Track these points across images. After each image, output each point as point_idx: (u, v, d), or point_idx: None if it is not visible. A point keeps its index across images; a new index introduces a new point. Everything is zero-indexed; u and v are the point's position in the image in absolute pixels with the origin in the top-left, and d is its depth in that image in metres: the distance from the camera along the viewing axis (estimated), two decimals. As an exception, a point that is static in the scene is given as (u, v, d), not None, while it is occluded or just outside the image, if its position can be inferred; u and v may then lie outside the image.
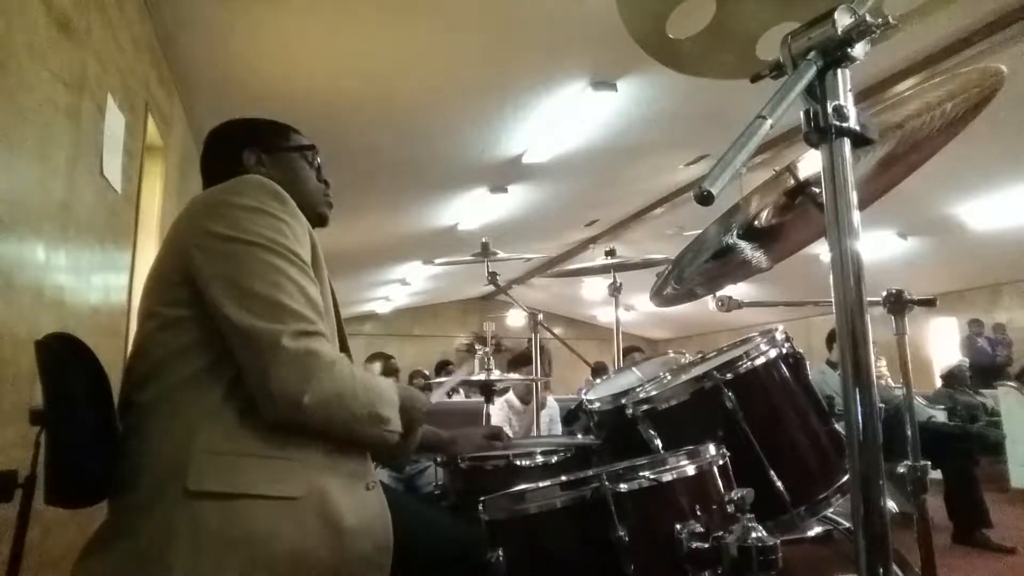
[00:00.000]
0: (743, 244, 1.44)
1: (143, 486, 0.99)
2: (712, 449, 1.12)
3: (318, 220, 1.30)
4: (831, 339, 4.56)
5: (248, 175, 1.15)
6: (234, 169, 1.23)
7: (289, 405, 0.98)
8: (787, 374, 1.40)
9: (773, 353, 1.38)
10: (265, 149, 1.30)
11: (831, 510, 1.35)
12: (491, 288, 3.12)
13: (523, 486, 1.14)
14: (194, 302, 1.04)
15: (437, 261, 3.91)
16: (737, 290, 1.73)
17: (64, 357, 1.11)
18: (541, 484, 1.09)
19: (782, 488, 1.27)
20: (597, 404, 1.50)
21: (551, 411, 3.83)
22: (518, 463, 1.52)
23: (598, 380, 2.14)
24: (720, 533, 0.94)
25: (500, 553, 1.05)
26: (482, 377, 2.37)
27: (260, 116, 1.39)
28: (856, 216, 0.69)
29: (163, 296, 1.08)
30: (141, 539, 0.96)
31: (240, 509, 0.97)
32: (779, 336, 1.42)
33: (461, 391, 5.81)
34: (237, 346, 1.01)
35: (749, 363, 1.35)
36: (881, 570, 0.65)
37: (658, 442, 1.34)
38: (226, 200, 1.08)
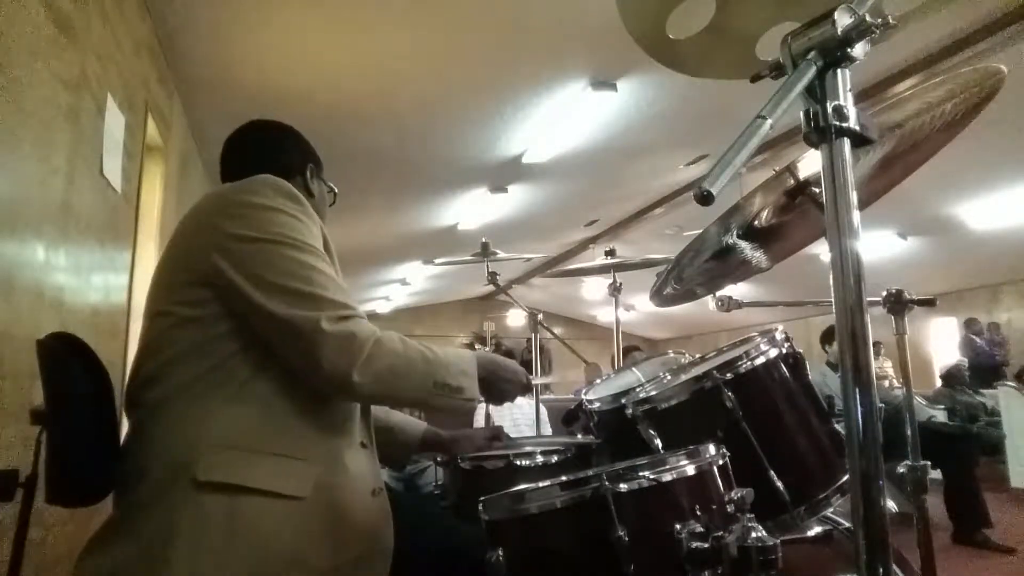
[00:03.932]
0: (743, 244, 1.44)
1: (152, 479, 0.99)
2: (712, 449, 1.12)
3: None
4: (825, 338, 4.57)
5: (262, 176, 1.15)
6: (287, 167, 1.29)
7: (341, 385, 1.01)
8: (787, 374, 1.40)
9: (773, 353, 1.38)
10: (318, 172, 1.37)
11: (831, 510, 1.35)
12: (491, 288, 3.12)
13: (523, 486, 1.14)
14: (211, 302, 1.05)
15: (437, 261, 3.92)
16: (737, 290, 1.73)
17: (64, 357, 1.11)
18: (541, 484, 1.08)
19: (782, 488, 1.26)
20: (597, 404, 1.50)
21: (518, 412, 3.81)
22: (518, 463, 1.52)
23: (597, 380, 2.14)
24: (720, 533, 0.94)
25: (500, 553, 1.05)
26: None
27: (260, 117, 1.41)
28: (856, 216, 0.69)
29: (177, 296, 1.08)
30: (144, 533, 0.96)
31: (244, 505, 0.97)
32: (779, 336, 1.42)
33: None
34: (280, 339, 1.03)
35: (749, 363, 1.35)
36: (881, 570, 0.65)
37: (658, 442, 1.34)
38: (243, 200, 1.09)
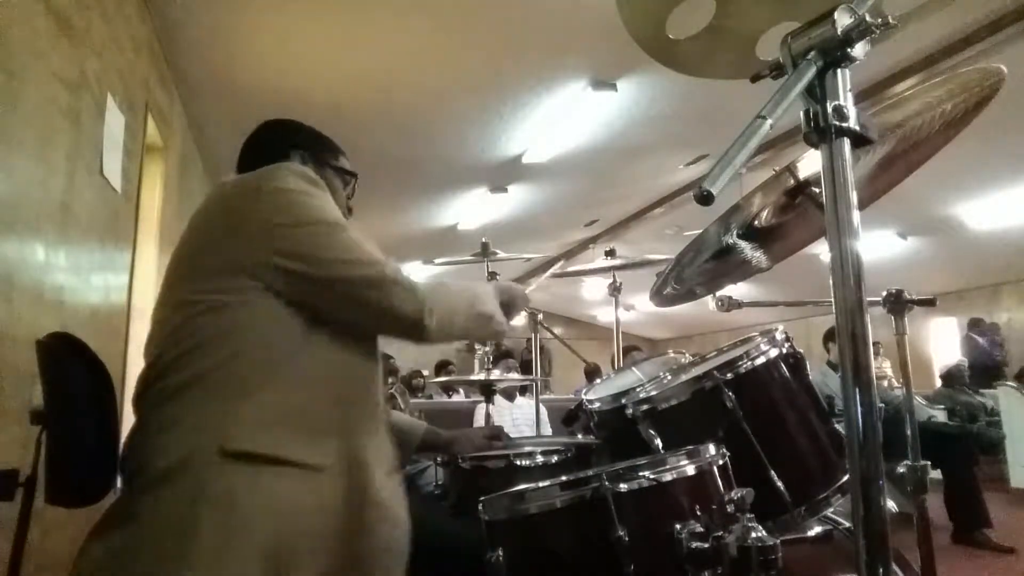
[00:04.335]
0: (743, 244, 1.44)
1: (168, 461, 0.98)
2: (712, 449, 1.12)
3: None
4: (828, 338, 4.57)
5: (284, 163, 1.18)
6: (277, 160, 1.28)
7: (414, 331, 1.10)
8: (787, 374, 1.40)
9: (773, 353, 1.38)
10: (312, 156, 1.35)
11: (831, 510, 1.35)
12: (491, 288, 3.11)
13: (523, 486, 1.15)
14: (248, 289, 1.06)
15: (437, 261, 3.91)
16: (737, 290, 1.73)
17: (64, 357, 1.11)
18: (541, 484, 1.09)
19: (782, 488, 1.27)
20: (597, 404, 1.50)
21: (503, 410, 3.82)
22: (518, 463, 1.52)
23: (597, 380, 2.14)
24: (720, 533, 0.94)
25: (500, 553, 1.05)
26: (482, 377, 2.37)
27: (259, 117, 1.41)
28: (856, 216, 0.69)
29: (204, 284, 1.07)
30: (161, 513, 0.95)
31: (268, 474, 0.97)
32: (779, 336, 1.42)
33: (461, 391, 5.81)
34: (347, 304, 1.09)
35: (749, 363, 1.35)
36: (881, 570, 0.65)
37: (658, 442, 1.34)
38: (274, 187, 1.11)
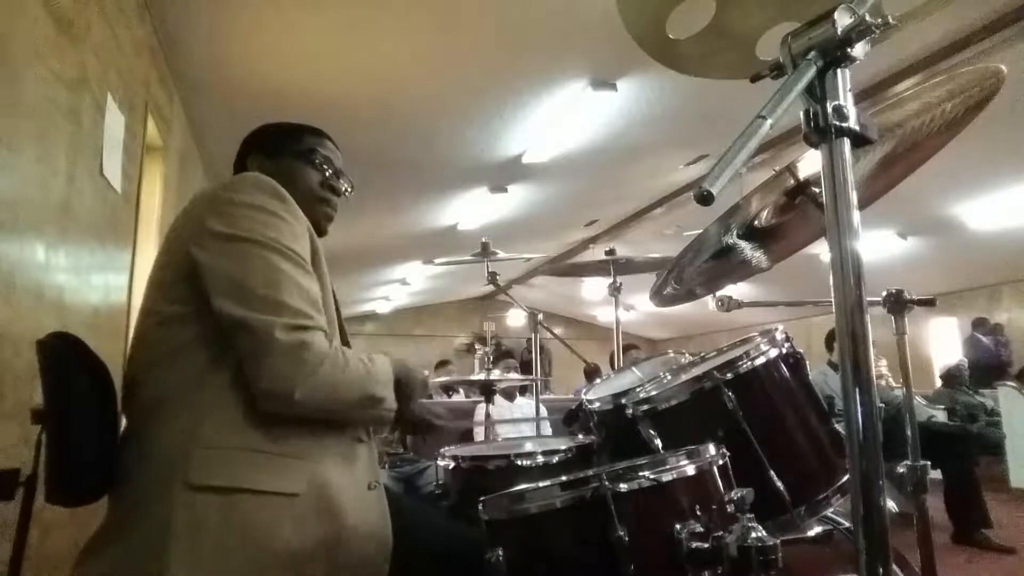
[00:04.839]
0: (743, 244, 1.44)
1: (144, 481, 1.00)
2: (712, 449, 1.12)
3: (314, 227, 1.26)
4: (830, 340, 4.56)
5: (247, 173, 1.17)
6: (239, 172, 1.27)
7: (280, 399, 1.00)
8: (787, 374, 1.40)
9: (773, 353, 1.38)
10: (267, 153, 1.31)
11: (831, 510, 1.35)
12: (491, 288, 3.12)
13: (523, 486, 1.14)
14: (193, 299, 1.04)
15: (437, 261, 3.92)
16: (737, 290, 1.73)
17: (65, 356, 1.11)
18: (541, 484, 1.08)
19: (782, 488, 1.26)
20: (597, 404, 1.49)
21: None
22: (518, 463, 1.52)
23: (597, 380, 2.14)
24: (720, 533, 0.94)
25: (500, 553, 1.05)
26: (482, 377, 2.37)
27: (259, 117, 1.41)
28: (856, 216, 0.69)
29: (163, 294, 1.08)
30: (139, 535, 0.96)
31: (240, 504, 0.97)
32: (779, 336, 1.42)
33: (461, 391, 5.81)
34: (235, 340, 1.02)
35: (749, 363, 1.35)
36: (881, 570, 0.65)
37: (658, 442, 1.34)
38: (223, 197, 1.09)
